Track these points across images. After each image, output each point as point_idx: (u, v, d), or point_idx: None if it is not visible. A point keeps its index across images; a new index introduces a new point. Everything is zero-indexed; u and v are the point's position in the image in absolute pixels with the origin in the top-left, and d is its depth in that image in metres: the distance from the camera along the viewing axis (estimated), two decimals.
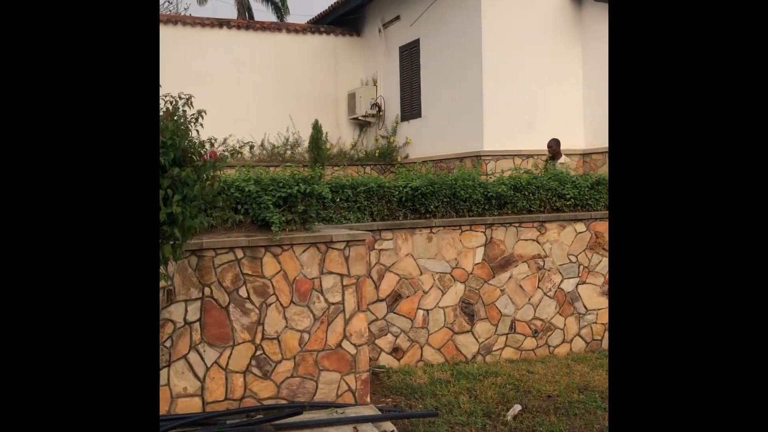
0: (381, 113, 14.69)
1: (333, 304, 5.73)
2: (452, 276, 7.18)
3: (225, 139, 11.69)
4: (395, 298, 6.99)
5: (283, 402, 5.59)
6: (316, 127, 12.64)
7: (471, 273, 7.25)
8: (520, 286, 7.43)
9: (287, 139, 14.27)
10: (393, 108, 14.32)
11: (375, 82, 14.98)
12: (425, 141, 13.20)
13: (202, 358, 5.37)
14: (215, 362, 5.41)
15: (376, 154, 14.13)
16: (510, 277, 7.41)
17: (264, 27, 14.84)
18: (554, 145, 10.41)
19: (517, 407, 5.67)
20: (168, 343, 5.26)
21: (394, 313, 6.98)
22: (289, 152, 14.06)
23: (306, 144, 13.36)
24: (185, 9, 26.55)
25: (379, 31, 14.60)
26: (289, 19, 24.27)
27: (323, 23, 15.49)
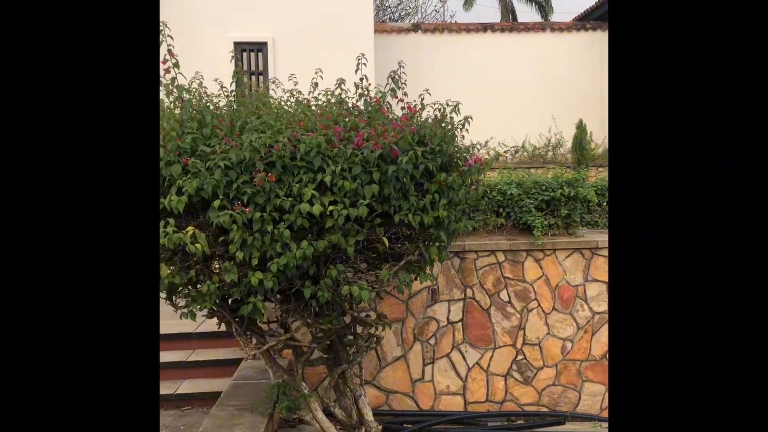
0: None
1: (598, 313, 5.47)
2: None
3: (486, 142, 11.83)
4: None
5: (544, 410, 5.48)
6: (580, 127, 12.17)
7: None
8: None
9: (549, 140, 13.98)
10: None
11: None
12: None
13: (464, 358, 5.48)
14: (476, 363, 5.49)
15: None
16: None
17: (527, 28, 14.73)
18: None
19: None
20: (432, 341, 5.47)
21: None
22: (550, 153, 13.76)
23: (569, 145, 12.93)
24: (451, 16, 27.47)
25: None
26: (554, 17, 23.80)
27: (589, 19, 14.89)
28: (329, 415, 4.41)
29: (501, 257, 5.48)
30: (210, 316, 4.25)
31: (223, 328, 4.44)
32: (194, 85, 4.07)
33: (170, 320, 5.40)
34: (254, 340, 4.36)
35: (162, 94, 3.98)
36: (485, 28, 14.58)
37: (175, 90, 3.90)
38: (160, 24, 3.90)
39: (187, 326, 5.16)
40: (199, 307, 3.83)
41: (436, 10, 25.67)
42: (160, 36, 3.82)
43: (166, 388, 5.10)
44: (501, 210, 5.82)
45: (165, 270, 3.65)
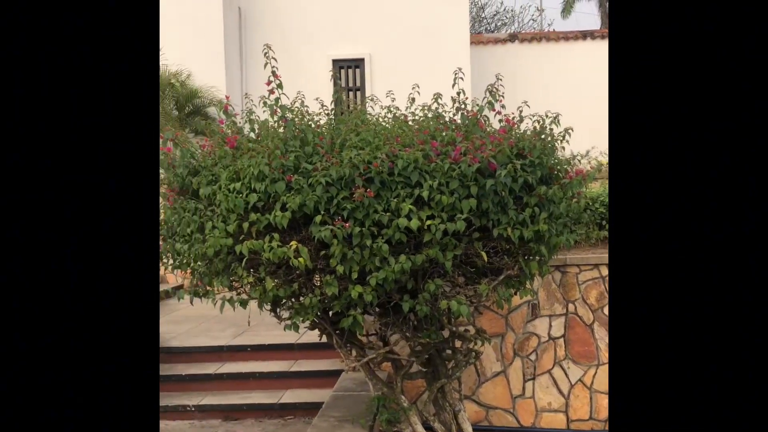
0: None
1: None
2: None
3: (587, 152, 11.50)
4: None
5: None
6: None
7: None
8: None
9: None
10: None
11: None
12: None
13: (566, 375, 5.34)
14: (579, 380, 5.33)
15: None
16: None
17: None
18: None
19: None
20: (533, 357, 5.36)
21: None
22: None
23: None
24: (549, 24, 26.97)
25: None
26: None
27: None
28: (428, 429, 4.41)
29: (605, 271, 5.31)
30: (312, 327, 4.36)
31: (324, 339, 4.54)
32: (296, 104, 4.22)
33: (273, 331, 5.59)
34: (354, 352, 4.43)
35: (266, 114, 4.15)
36: (584, 35, 14.22)
37: (278, 110, 4.06)
38: (264, 47, 4.08)
39: (289, 337, 5.31)
40: (301, 319, 3.94)
41: (533, 19, 25.31)
42: (265, 58, 3.99)
43: (270, 398, 5.28)
44: (604, 223, 5.65)
45: (270, 283, 3.78)
